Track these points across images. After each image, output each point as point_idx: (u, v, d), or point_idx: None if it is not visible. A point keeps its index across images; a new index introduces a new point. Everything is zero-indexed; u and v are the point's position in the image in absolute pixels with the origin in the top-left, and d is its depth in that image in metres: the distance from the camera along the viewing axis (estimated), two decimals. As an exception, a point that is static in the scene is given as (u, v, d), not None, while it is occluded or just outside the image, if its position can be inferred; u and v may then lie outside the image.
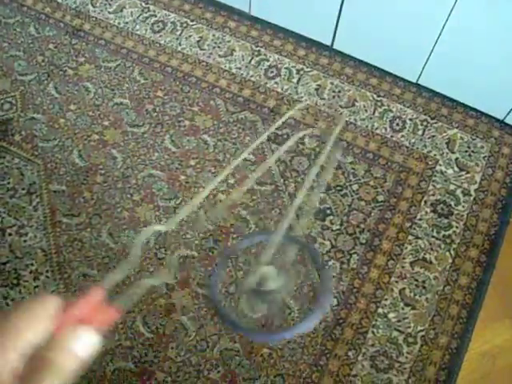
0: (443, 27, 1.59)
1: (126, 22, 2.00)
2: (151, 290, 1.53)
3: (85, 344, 0.40)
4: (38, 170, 1.72)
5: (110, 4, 2.04)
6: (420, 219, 1.64)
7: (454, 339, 1.50)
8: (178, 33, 1.97)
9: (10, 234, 1.63)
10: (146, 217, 1.64)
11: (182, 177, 1.69)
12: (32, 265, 1.59)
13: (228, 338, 1.49)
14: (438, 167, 1.71)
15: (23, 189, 1.70)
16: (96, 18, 2.01)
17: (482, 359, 1.50)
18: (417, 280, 1.56)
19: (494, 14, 1.50)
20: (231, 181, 1.68)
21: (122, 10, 2.03)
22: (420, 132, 1.77)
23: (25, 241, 1.63)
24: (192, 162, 1.71)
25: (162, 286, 1.53)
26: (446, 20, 1.56)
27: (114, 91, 1.85)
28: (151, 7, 2.03)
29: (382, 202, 1.66)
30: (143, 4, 2.04)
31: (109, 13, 2.02)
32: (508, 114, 1.74)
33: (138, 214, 1.64)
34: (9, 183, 1.71)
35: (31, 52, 1.95)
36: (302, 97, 1.82)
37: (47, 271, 1.59)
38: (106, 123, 1.79)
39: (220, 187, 1.67)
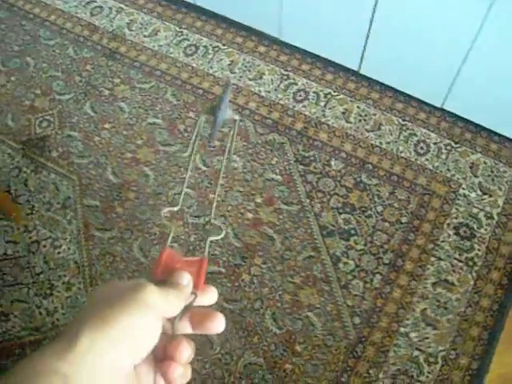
0: (468, 53, 1.63)
1: (161, 46, 2.08)
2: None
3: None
4: (73, 186, 1.79)
5: (145, 28, 2.12)
6: (443, 241, 1.67)
7: (475, 360, 1.52)
8: (210, 56, 2.04)
9: (44, 246, 1.70)
10: (176, 233, 1.69)
11: (212, 195, 1.74)
12: (65, 276, 1.66)
13: (252, 353, 1.53)
14: (461, 190, 1.75)
15: (58, 203, 1.77)
16: (132, 41, 2.10)
17: (503, 381, 1.52)
18: (438, 301, 1.59)
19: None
20: (258, 200, 1.73)
21: (156, 34, 2.11)
22: (444, 156, 1.80)
23: (59, 253, 1.69)
24: (221, 181, 1.77)
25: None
26: (471, 46, 1.60)
27: (147, 111, 1.92)
28: (184, 31, 2.10)
29: (405, 223, 1.70)
30: (177, 28, 2.11)
31: (144, 36, 2.10)
32: (531, 140, 1.77)
33: (168, 230, 1.70)
34: (45, 197, 1.78)
35: (69, 72, 2.03)
36: (328, 120, 1.87)
37: (79, 283, 1.64)
38: (139, 142, 1.86)
39: (247, 206, 1.72)
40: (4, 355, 1.56)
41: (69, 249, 1.69)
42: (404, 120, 1.87)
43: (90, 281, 1.64)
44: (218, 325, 0.50)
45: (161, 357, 0.47)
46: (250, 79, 1.97)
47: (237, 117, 0.63)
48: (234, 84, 1.95)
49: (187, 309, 0.49)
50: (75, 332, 0.41)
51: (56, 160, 1.84)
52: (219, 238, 0.57)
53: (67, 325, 0.44)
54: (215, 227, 0.58)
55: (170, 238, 0.54)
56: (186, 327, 0.50)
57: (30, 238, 1.71)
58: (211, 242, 0.55)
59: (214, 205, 0.57)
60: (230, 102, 0.59)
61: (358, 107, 1.90)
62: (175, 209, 0.61)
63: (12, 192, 1.79)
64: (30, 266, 1.67)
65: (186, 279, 0.49)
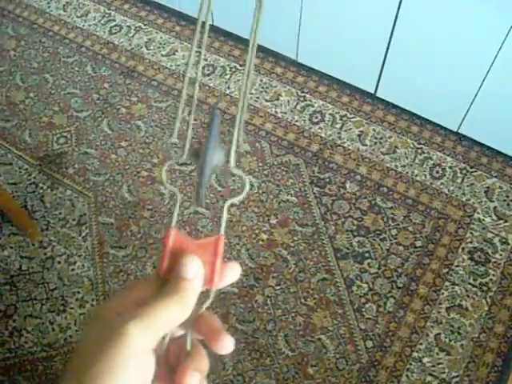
0: (484, 78, 1.63)
1: (178, 65, 2.09)
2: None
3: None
4: (89, 203, 1.80)
5: (163, 47, 2.15)
6: (457, 266, 1.66)
7: (489, 387, 1.51)
8: (227, 77, 2.05)
9: (59, 262, 1.71)
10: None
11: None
12: (79, 293, 1.66)
13: (264, 374, 1.53)
14: (476, 215, 1.74)
15: (74, 220, 1.78)
16: (149, 60, 2.12)
17: (516, 409, 1.51)
18: (452, 326, 1.58)
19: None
20: (273, 221, 1.73)
21: (174, 54, 2.13)
22: (459, 180, 1.80)
23: (73, 269, 1.70)
24: (236, 202, 1.77)
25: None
26: (488, 71, 1.61)
27: (163, 130, 1.93)
28: (202, 51, 2.12)
29: (419, 247, 1.69)
30: (195, 48, 2.13)
31: (162, 55, 2.13)
32: (547, 166, 1.77)
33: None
34: (60, 213, 1.79)
35: (87, 90, 2.05)
36: (344, 142, 1.88)
37: (93, 300, 1.65)
38: (155, 161, 1.87)
39: (262, 227, 1.72)
40: (16, 371, 1.56)
41: (83, 266, 1.70)
42: (419, 143, 1.87)
43: (104, 298, 1.65)
44: (225, 347, 0.44)
45: (172, 363, 0.43)
46: (267, 100, 1.99)
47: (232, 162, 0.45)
48: (251, 105, 1.96)
49: (198, 315, 0.43)
50: None
51: (72, 177, 1.86)
52: (241, 198, 0.46)
53: None
54: (234, 177, 0.47)
55: (176, 212, 0.44)
56: (195, 334, 0.45)
57: (45, 253, 1.72)
58: (230, 206, 0.45)
59: (234, 147, 0.43)
60: (219, 137, 0.45)
61: (373, 130, 1.90)
62: (175, 161, 0.47)
63: (28, 208, 1.81)
64: (45, 282, 1.68)
65: (192, 270, 0.41)
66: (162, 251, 0.42)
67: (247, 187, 0.46)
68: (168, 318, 0.40)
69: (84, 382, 0.38)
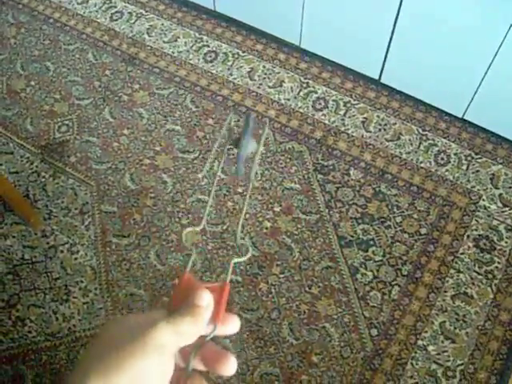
0: (490, 65, 1.62)
1: (180, 52, 2.07)
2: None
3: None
4: (91, 191, 1.79)
5: (165, 34, 2.13)
6: (462, 253, 1.65)
7: (494, 375, 1.50)
8: (230, 63, 2.04)
9: (61, 251, 1.70)
10: (194, 240, 1.69)
11: (230, 203, 1.74)
12: (82, 282, 1.66)
13: (268, 363, 1.52)
14: (481, 202, 1.73)
15: (76, 208, 1.77)
16: (151, 46, 2.10)
17: (522, 396, 1.50)
18: (457, 314, 1.57)
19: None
20: (277, 209, 1.72)
21: (176, 40, 2.11)
22: (464, 167, 1.79)
23: (76, 258, 1.69)
24: (240, 189, 1.76)
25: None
26: (494, 57, 1.59)
27: (166, 118, 1.92)
28: (204, 38, 2.10)
29: (424, 234, 1.68)
30: (197, 34, 2.11)
31: (163, 42, 2.11)
32: (554, 152, 1.75)
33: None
34: (63, 202, 1.78)
35: (89, 78, 2.04)
36: (348, 129, 1.86)
37: (96, 289, 1.64)
38: (158, 148, 1.86)
39: (266, 215, 1.71)
40: (20, 360, 1.56)
41: (86, 255, 1.69)
42: (424, 130, 1.85)
43: (107, 287, 1.64)
44: (228, 369, 0.46)
45: None
46: (270, 87, 1.97)
47: (262, 148, 0.61)
48: (253, 91, 1.94)
49: (204, 343, 0.46)
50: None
51: (74, 165, 1.85)
52: (244, 259, 0.55)
53: (73, 373, 0.41)
54: (242, 247, 0.59)
55: (190, 263, 0.51)
56: (197, 363, 0.47)
57: (48, 243, 1.71)
58: (235, 264, 0.53)
59: (240, 226, 0.55)
60: (252, 133, 0.57)
61: (377, 116, 1.89)
62: (198, 229, 0.57)
63: (30, 197, 1.80)
64: (47, 272, 1.67)
65: (205, 300, 0.45)
66: (173, 291, 0.48)
67: (249, 255, 0.55)
68: (188, 331, 0.44)
69: (107, 361, 0.40)
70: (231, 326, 0.48)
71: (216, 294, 0.47)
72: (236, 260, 0.51)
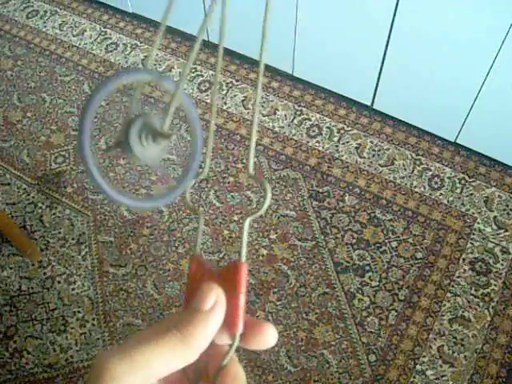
0: (480, 89, 1.64)
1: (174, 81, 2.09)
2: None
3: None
4: (88, 222, 1.80)
5: (159, 64, 2.15)
6: (458, 277, 1.66)
7: (493, 399, 1.50)
8: (224, 92, 2.06)
9: (59, 282, 1.70)
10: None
11: (226, 231, 1.75)
12: (79, 312, 1.66)
13: (267, 391, 1.52)
14: (476, 225, 1.74)
15: (73, 239, 1.77)
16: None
17: (522, 420, 1.50)
18: (455, 338, 1.57)
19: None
20: (273, 236, 1.73)
21: (170, 70, 2.14)
22: (458, 190, 1.80)
23: (73, 289, 1.69)
24: (235, 217, 1.77)
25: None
26: (483, 82, 1.61)
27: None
28: (198, 67, 2.13)
29: (420, 259, 1.69)
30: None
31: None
32: (546, 174, 1.76)
33: (182, 266, 1.70)
34: (60, 233, 1.79)
35: (84, 109, 2.05)
36: (342, 155, 1.88)
37: (93, 319, 1.64)
38: (154, 178, 1.87)
39: (262, 242, 1.72)
40: (18, 393, 1.55)
41: (83, 285, 1.69)
42: (417, 154, 1.87)
43: (104, 317, 1.64)
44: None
45: None
46: (264, 115, 1.99)
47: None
48: (248, 120, 1.96)
49: (222, 367, 0.34)
50: None
51: (71, 196, 1.86)
52: (263, 210, 0.36)
53: None
54: (257, 181, 0.37)
55: (199, 239, 0.38)
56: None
57: (45, 273, 1.72)
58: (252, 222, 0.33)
59: (252, 153, 0.35)
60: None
61: (371, 142, 1.90)
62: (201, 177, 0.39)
63: (27, 227, 1.80)
64: (45, 302, 1.67)
65: (209, 301, 0.33)
66: (187, 281, 0.36)
67: (268, 201, 0.35)
68: (163, 360, 0.32)
69: None
70: (260, 340, 0.34)
71: (230, 285, 0.33)
72: (252, 217, 0.36)
